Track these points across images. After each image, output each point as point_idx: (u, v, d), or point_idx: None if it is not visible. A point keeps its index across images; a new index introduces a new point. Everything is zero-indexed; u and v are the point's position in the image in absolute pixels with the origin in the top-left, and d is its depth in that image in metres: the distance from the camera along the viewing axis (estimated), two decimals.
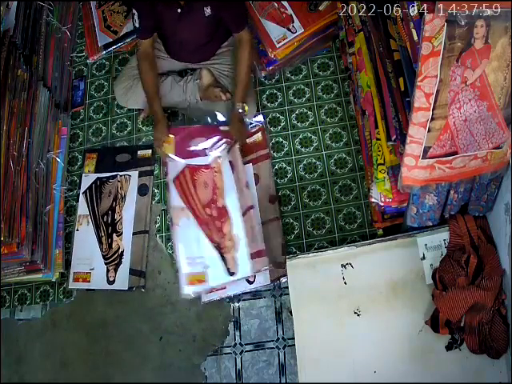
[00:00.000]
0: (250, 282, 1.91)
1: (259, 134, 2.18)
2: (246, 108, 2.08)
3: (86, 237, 2.15)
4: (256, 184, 2.07)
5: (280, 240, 1.98)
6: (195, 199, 2.02)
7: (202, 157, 2.06)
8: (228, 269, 1.88)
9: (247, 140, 2.16)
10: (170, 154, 2.07)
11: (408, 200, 1.59)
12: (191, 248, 1.94)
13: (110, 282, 2.05)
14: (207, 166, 2.05)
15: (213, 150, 2.05)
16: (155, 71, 2.20)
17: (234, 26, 2.10)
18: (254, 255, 1.87)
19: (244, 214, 1.94)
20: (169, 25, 2.11)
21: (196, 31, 2.13)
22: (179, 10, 2.03)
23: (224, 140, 2.05)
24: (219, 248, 1.92)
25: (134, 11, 2.06)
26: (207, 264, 1.90)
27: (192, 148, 2.08)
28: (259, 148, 2.16)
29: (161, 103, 2.19)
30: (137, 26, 2.10)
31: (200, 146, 2.07)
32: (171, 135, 2.10)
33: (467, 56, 1.16)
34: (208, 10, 2.04)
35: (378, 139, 1.65)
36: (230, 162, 2.03)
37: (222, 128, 2.09)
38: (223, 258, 1.90)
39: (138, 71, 2.19)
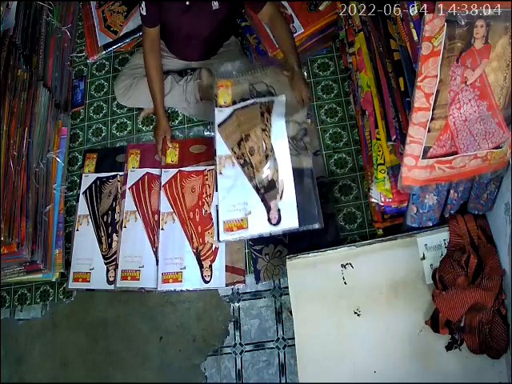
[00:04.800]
0: (206, 282, 1.95)
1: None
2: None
3: (85, 237, 2.15)
4: None
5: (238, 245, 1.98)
6: None
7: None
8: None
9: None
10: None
11: (408, 200, 1.59)
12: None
13: (110, 282, 2.04)
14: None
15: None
16: (161, 66, 2.18)
17: (256, 4, 2.03)
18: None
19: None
20: (175, 18, 2.09)
21: (201, 25, 2.12)
22: (187, 3, 2.02)
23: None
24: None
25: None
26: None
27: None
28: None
29: (163, 103, 2.22)
30: (144, 13, 2.05)
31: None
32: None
33: (467, 56, 1.16)
34: (215, 4, 2.03)
35: (378, 139, 1.65)
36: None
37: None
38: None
39: (144, 65, 2.17)
